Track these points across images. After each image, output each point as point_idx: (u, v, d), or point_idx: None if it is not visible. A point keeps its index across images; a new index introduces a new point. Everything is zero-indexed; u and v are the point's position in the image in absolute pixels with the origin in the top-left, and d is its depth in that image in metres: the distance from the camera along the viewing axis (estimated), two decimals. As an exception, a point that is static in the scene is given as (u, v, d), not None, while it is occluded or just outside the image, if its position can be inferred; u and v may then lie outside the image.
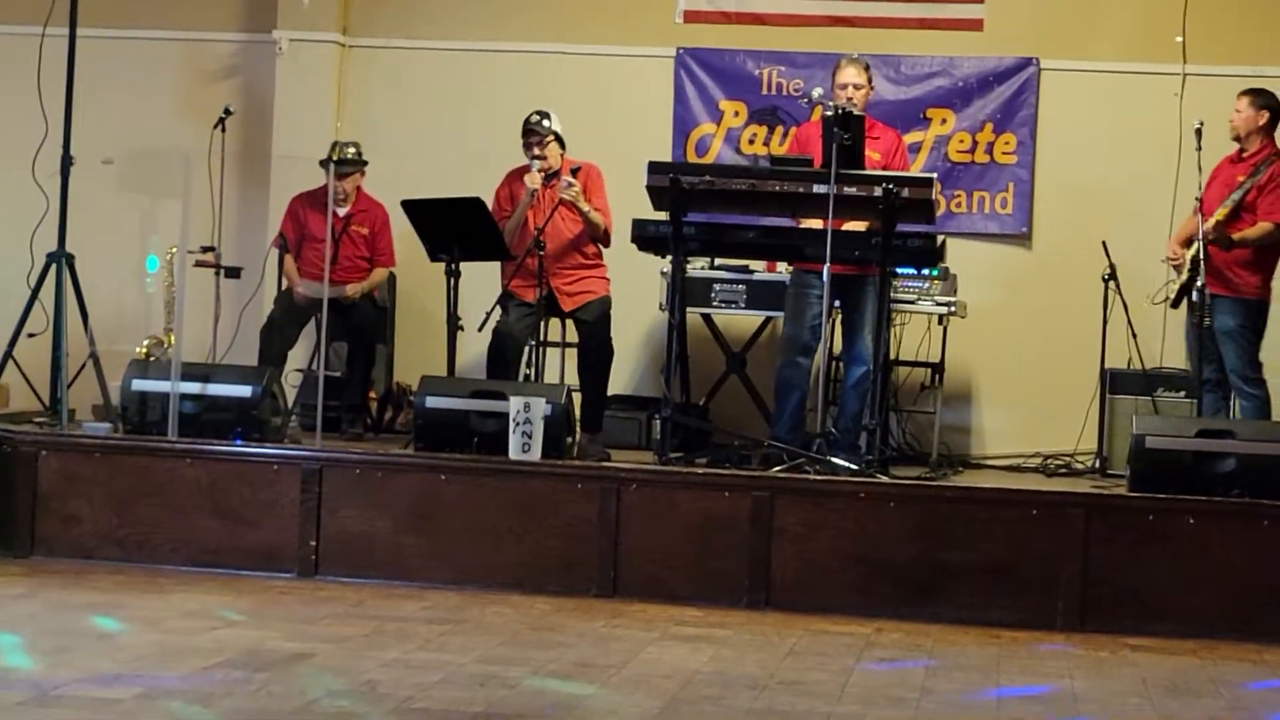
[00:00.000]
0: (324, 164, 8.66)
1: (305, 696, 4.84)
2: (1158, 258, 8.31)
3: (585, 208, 8.09)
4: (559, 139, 8.22)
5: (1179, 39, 9.13)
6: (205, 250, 8.67)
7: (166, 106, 9.96)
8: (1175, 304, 8.04)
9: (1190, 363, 8.14)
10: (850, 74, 7.86)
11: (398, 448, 7.63)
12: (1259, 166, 7.82)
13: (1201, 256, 7.63)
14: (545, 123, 8.19)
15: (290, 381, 8.56)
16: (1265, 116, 7.86)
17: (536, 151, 8.15)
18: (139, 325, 9.37)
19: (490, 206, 8.13)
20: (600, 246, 8.31)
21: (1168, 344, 8.71)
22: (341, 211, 8.79)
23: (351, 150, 8.89)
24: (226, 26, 10.06)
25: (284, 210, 8.99)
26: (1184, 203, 8.55)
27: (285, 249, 8.77)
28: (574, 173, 8.10)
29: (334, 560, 6.97)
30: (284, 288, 8.82)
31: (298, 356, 8.92)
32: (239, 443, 7.26)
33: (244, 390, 7.48)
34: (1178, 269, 7.96)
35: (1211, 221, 7.69)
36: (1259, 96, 7.93)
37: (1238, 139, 7.94)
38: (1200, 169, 7.86)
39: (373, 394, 9.14)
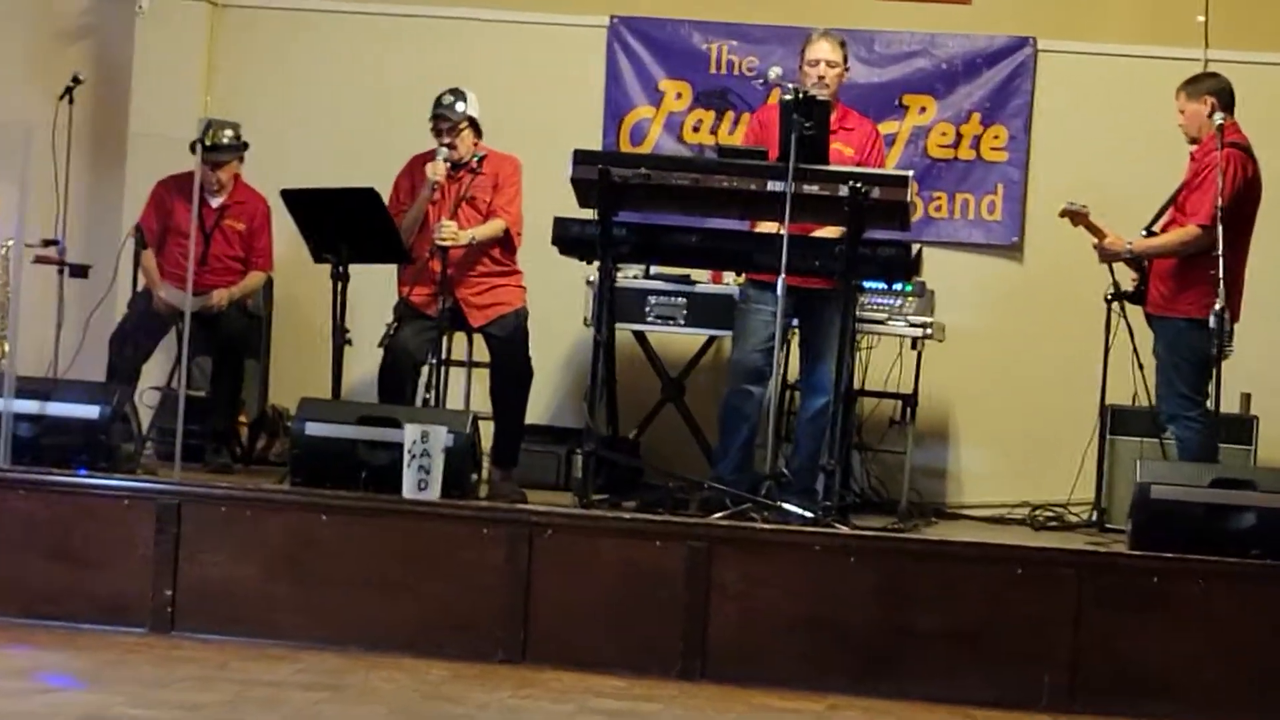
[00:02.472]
0: (194, 147, 8.54)
1: (154, 774, 4.86)
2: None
3: (466, 239, 8.09)
4: (474, 125, 8.26)
5: (1201, 19, 9.26)
6: (46, 244, 8.64)
7: (6, 72, 9.90)
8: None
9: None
10: (824, 48, 7.93)
11: (271, 482, 7.65)
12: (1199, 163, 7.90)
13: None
14: (459, 105, 8.22)
15: (145, 401, 8.56)
16: (1210, 102, 7.92)
17: (447, 139, 8.19)
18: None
19: (387, 199, 8.17)
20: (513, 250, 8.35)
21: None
22: (215, 203, 8.79)
23: (229, 133, 8.85)
24: (77, -20, 10.04)
25: (143, 198, 8.94)
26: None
27: (144, 243, 8.74)
28: (479, 161, 8.13)
29: (193, 614, 6.95)
30: (140, 289, 8.79)
31: (154, 372, 8.90)
32: (83, 473, 7.24)
33: (90, 411, 7.47)
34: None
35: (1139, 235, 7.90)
36: (1194, 84, 8.01)
37: (1195, 141, 8.04)
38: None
39: (243, 418, 9.14)
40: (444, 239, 7.97)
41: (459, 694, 6.22)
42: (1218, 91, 7.93)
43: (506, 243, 8.28)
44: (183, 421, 7.52)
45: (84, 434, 7.43)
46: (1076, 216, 8.12)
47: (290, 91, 9.81)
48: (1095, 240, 8.09)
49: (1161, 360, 7.95)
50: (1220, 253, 7.41)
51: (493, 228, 8.20)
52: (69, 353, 8.55)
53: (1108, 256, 8.09)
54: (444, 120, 8.22)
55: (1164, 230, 8.02)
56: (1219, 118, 7.76)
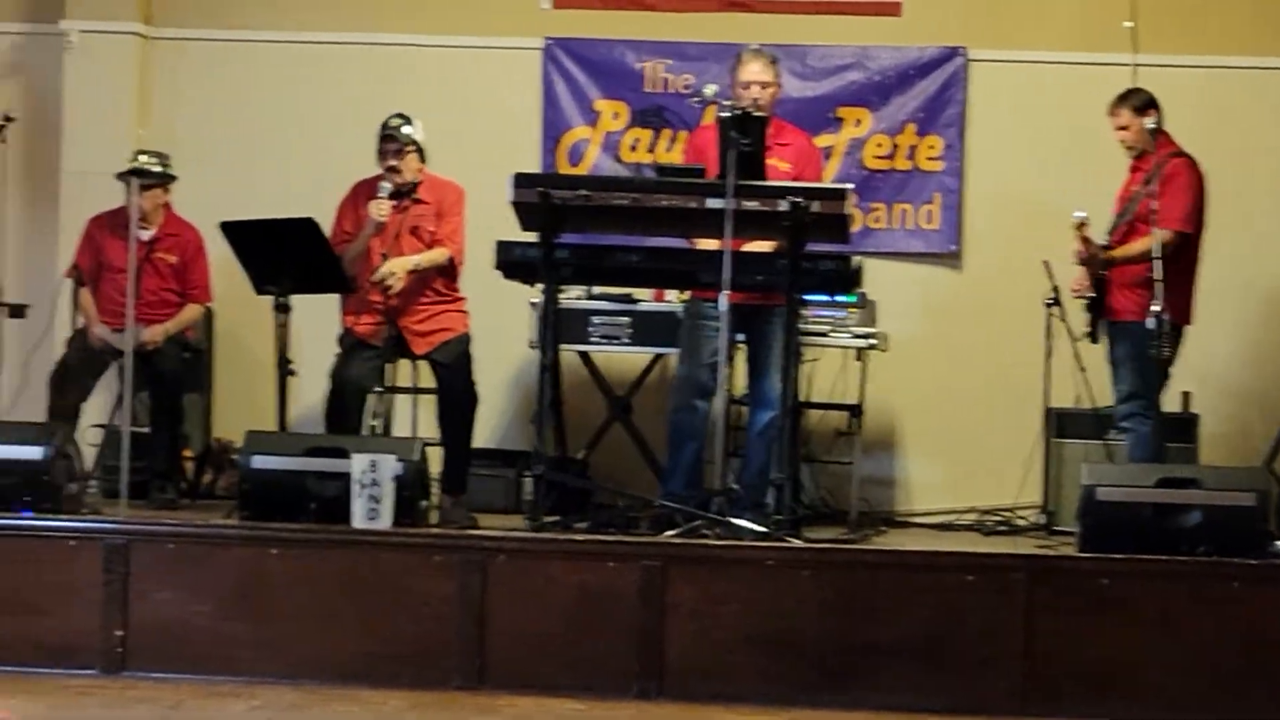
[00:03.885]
0: (122, 178, 8.54)
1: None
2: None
3: (410, 266, 8.08)
4: (420, 150, 8.25)
5: (1128, 24, 9.31)
6: (-18, 285, 8.59)
7: (-69, 112, 9.86)
8: (1093, 338, 8.19)
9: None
10: (755, 69, 7.94)
11: (219, 517, 7.60)
12: (1152, 173, 7.92)
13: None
14: (405, 129, 8.20)
15: (88, 439, 8.49)
16: (1152, 115, 7.96)
17: (393, 162, 8.16)
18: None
19: (330, 228, 8.15)
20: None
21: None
22: (145, 236, 8.73)
23: (155, 161, 8.80)
24: (4, 15, 9.96)
25: (77, 236, 8.92)
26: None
27: (81, 281, 8.70)
28: (411, 191, 8.11)
29: (144, 653, 6.91)
30: (79, 327, 8.75)
31: (95, 410, 8.84)
32: (27, 515, 7.18)
33: (32, 452, 7.40)
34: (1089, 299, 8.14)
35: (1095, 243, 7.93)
36: (1132, 98, 8.07)
37: (1140, 153, 8.07)
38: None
39: (187, 453, 9.09)
40: (388, 283, 7.94)
41: (418, 724, 6.20)
42: (1154, 103, 8.02)
43: (449, 270, 8.26)
44: (127, 458, 7.46)
45: (26, 475, 7.35)
46: (1083, 226, 8.10)
47: (224, 122, 9.76)
48: (1081, 249, 8.06)
49: (1124, 363, 7.98)
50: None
51: (436, 255, 8.18)
52: (9, 394, 8.48)
53: (1088, 264, 8.06)
54: (391, 142, 8.18)
55: (1123, 239, 8.02)
56: (1150, 124, 7.84)
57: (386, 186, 8.11)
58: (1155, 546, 6.82)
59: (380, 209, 8.07)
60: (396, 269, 8.00)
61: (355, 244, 8.16)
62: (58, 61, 9.75)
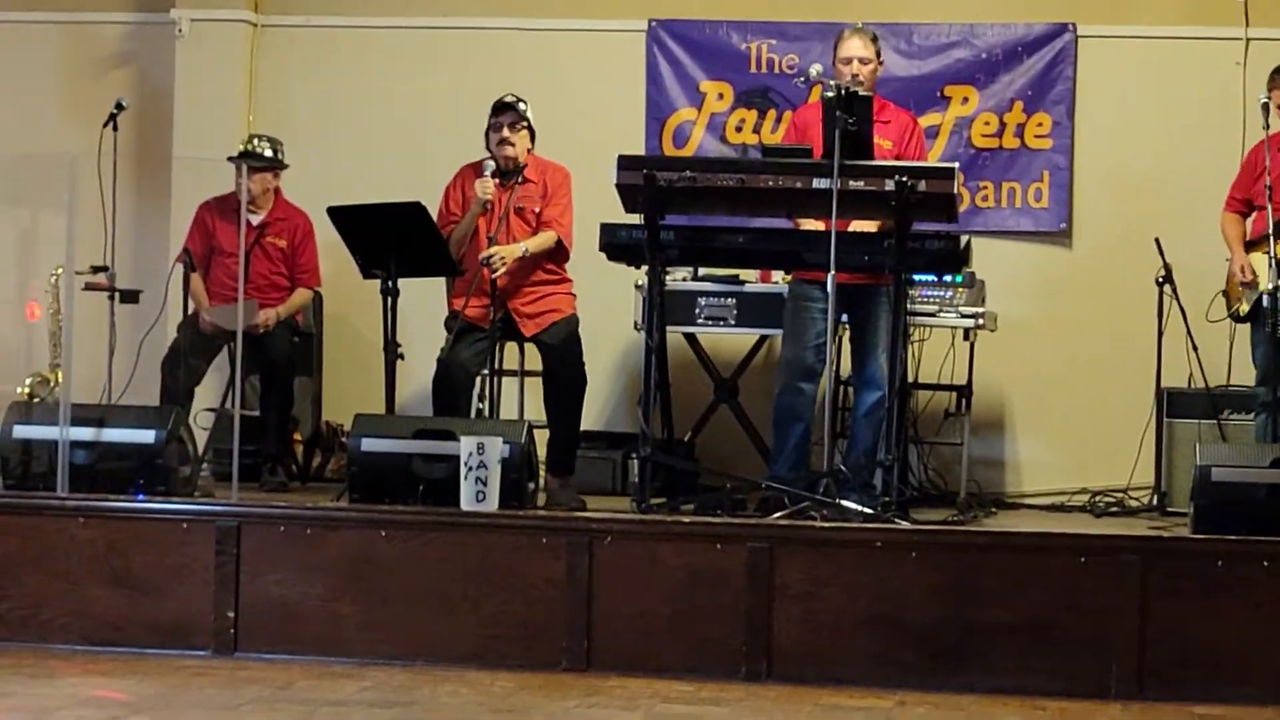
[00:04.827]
0: (233, 161, 8.63)
1: (225, 798, 4.85)
2: (1221, 255, 8.34)
3: (519, 253, 8.08)
4: (531, 130, 8.25)
5: (1240, -2, 9.22)
6: (96, 270, 8.64)
7: (47, 102, 9.98)
8: (1249, 317, 8.04)
9: (1261, 379, 8.10)
10: (855, 46, 7.90)
11: (329, 499, 7.64)
12: None
13: None
14: (520, 105, 8.21)
15: (200, 423, 8.55)
16: None
17: (506, 134, 8.15)
18: (20, 361, 9.33)
19: (437, 210, 8.16)
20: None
21: (1235, 358, 8.74)
22: (255, 220, 8.78)
23: (267, 145, 8.87)
24: (117, 6, 10.07)
25: (188, 221, 8.99)
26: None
27: (192, 266, 8.75)
28: (518, 172, 8.09)
29: (256, 634, 6.95)
30: (190, 312, 8.80)
31: (207, 394, 8.91)
32: (141, 498, 7.25)
33: (146, 435, 7.48)
34: (1251, 286, 7.97)
35: None
36: None
37: None
38: (1269, 151, 7.89)
39: (297, 436, 9.14)
40: (494, 267, 7.94)
41: (526, 705, 6.20)
42: None
43: (558, 253, 8.25)
44: (239, 442, 7.50)
45: (140, 458, 7.44)
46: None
47: (333, 108, 9.82)
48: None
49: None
50: None
51: (544, 239, 8.18)
52: (122, 378, 8.54)
53: None
54: (506, 112, 8.17)
55: None
56: None
57: (491, 165, 8.12)
58: (1270, 528, 6.72)
59: (486, 188, 8.08)
60: (505, 254, 7.99)
61: (461, 224, 8.17)
62: (169, 50, 9.83)
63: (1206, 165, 9.00)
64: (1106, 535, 7.13)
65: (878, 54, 7.97)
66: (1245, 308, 8.01)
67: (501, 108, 8.21)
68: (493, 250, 7.97)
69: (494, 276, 7.95)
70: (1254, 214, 8.07)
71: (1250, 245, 8.08)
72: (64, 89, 9.99)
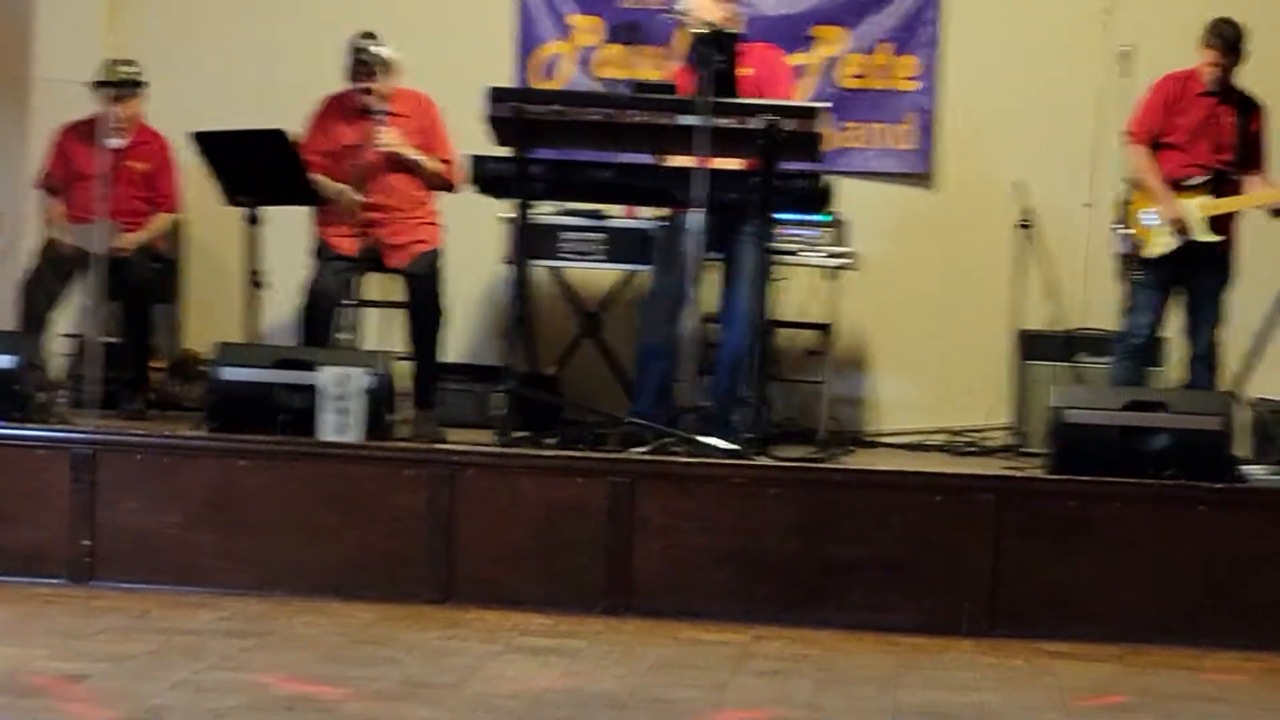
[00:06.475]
0: (94, 86, 8.53)
1: (79, 726, 4.80)
2: (1079, 200, 8.42)
3: (414, 156, 8.05)
4: (392, 68, 8.15)
5: (1104, -53, 9.27)
6: (-49, 193, 8.52)
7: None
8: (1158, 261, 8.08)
9: (1151, 323, 8.13)
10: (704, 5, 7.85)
11: (188, 428, 7.56)
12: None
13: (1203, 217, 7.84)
14: (376, 48, 8.09)
15: (57, 349, 8.43)
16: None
17: (366, 84, 8.07)
18: None
19: (303, 138, 8.08)
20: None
21: (1090, 301, 8.84)
22: (116, 144, 8.64)
23: (128, 69, 8.73)
24: (-28, -78, 9.86)
25: (47, 145, 8.85)
26: (1109, 139, 8.65)
27: (52, 190, 8.65)
28: (383, 103, 8.05)
29: (112, 563, 6.89)
30: (49, 237, 8.67)
31: (64, 320, 8.78)
32: (-4, 423, 7.16)
33: (2, 360, 7.36)
34: (1183, 232, 7.98)
35: None
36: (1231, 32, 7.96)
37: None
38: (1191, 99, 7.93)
39: (157, 363, 9.03)
40: (384, 143, 7.91)
41: (386, 636, 6.19)
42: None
43: (442, 185, 8.21)
44: (96, 368, 7.40)
45: (-5, 384, 7.32)
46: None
47: (196, 33, 9.66)
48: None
49: (1216, 293, 8.00)
50: None
51: (435, 163, 8.14)
52: (-22, 303, 8.42)
53: None
54: (363, 66, 8.08)
55: (1249, 182, 7.99)
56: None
57: (382, 115, 8.03)
58: (1122, 469, 6.82)
59: (390, 138, 8.03)
60: (395, 142, 8.00)
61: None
62: (28, -32, 9.64)
63: (1068, 113, 9.07)
64: (962, 475, 7.20)
65: (735, 14, 7.89)
66: (1160, 251, 8.01)
67: (356, 61, 8.09)
68: (386, 133, 7.94)
69: (380, 145, 7.93)
70: (1159, 152, 8.09)
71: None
72: (-82, 8, 9.76)
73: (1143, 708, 5.60)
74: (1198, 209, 7.88)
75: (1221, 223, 7.93)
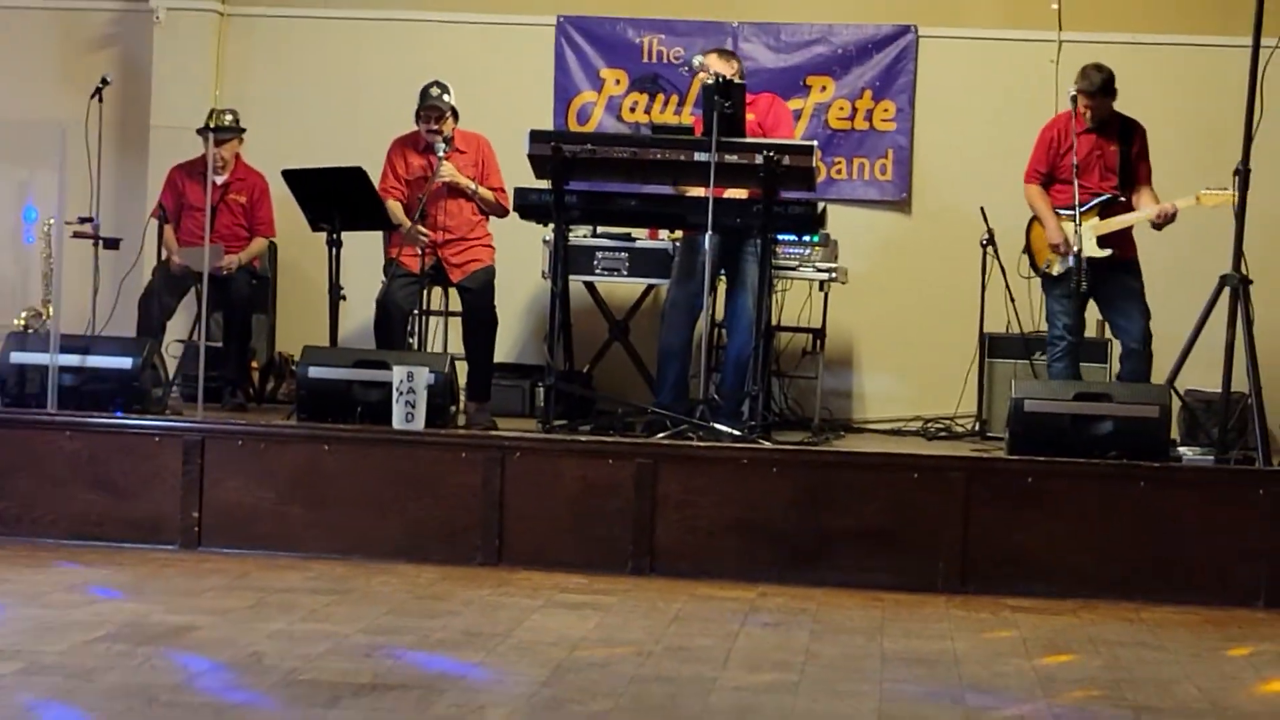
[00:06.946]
0: (201, 132, 8.65)
1: (189, 670, 4.75)
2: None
3: (471, 186, 8.02)
4: (455, 113, 8.15)
5: (1055, 5, 9.21)
6: (83, 221, 8.58)
7: (43, 77, 9.83)
8: (1061, 277, 7.93)
9: (1068, 328, 8.03)
10: (714, 60, 7.81)
11: (280, 418, 7.53)
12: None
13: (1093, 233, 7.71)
14: (446, 96, 8.09)
15: (170, 352, 8.43)
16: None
17: (435, 126, 8.05)
18: (16, 297, 9.21)
19: (379, 176, 8.08)
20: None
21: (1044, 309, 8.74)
22: (219, 180, 8.68)
23: (229, 117, 8.80)
24: (101, -5, 9.92)
25: (162, 181, 8.90)
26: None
27: (165, 219, 8.68)
28: (447, 142, 8.01)
29: (217, 532, 6.85)
30: (163, 258, 8.69)
31: (177, 327, 8.80)
32: (119, 415, 7.11)
33: (124, 362, 7.34)
34: (1065, 254, 7.84)
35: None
36: (1106, 77, 7.81)
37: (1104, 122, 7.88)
38: (1076, 138, 7.83)
39: (254, 364, 9.03)
40: (445, 174, 7.95)
41: (446, 593, 6.14)
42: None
43: (498, 211, 8.19)
44: (204, 368, 7.38)
45: (119, 381, 7.30)
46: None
47: (287, 86, 9.70)
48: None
49: (1136, 293, 7.84)
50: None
51: (489, 193, 8.15)
52: (104, 313, 8.46)
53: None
54: (434, 110, 8.06)
55: (1137, 198, 7.87)
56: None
57: (441, 147, 8.00)
58: (1073, 451, 6.75)
59: (446, 170, 8.00)
60: (454, 175, 8.01)
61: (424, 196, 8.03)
62: (147, 34, 9.72)
63: (1024, 147, 8.92)
64: (936, 455, 7.15)
65: (739, 72, 7.85)
66: (1059, 269, 7.90)
67: (426, 106, 8.07)
68: (445, 166, 7.95)
69: (441, 178, 7.93)
70: (1052, 185, 7.99)
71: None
72: (58, 67, 9.83)
73: (1093, 653, 5.53)
74: (1090, 230, 7.79)
75: (1113, 239, 7.82)
